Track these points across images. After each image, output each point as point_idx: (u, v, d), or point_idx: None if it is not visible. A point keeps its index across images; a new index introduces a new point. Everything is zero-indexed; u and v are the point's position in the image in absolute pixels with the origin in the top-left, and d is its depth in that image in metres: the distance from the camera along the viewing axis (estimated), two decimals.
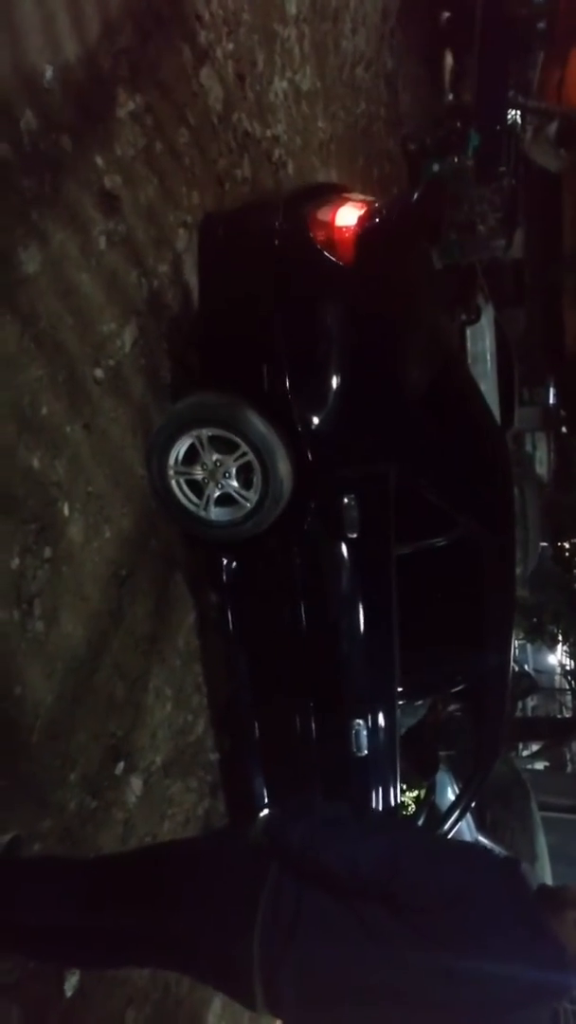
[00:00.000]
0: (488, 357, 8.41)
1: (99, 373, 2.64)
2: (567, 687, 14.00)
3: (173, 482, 2.80)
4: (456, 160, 8.02)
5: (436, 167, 7.91)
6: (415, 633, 3.01)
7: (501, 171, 8.52)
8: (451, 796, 3.51)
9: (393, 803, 3.05)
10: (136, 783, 2.87)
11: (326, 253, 2.65)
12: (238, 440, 2.67)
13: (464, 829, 3.51)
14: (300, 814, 1.86)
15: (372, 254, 2.68)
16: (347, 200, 2.85)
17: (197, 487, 2.81)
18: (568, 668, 13.97)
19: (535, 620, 10.39)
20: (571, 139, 9.83)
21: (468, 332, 8.25)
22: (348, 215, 2.71)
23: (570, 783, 10.65)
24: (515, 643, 4.47)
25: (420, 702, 3.29)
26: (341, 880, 1.68)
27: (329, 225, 2.67)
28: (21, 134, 2.24)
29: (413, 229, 2.98)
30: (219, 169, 3.61)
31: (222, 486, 2.78)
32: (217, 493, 2.79)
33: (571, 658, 13.30)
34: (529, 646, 12.31)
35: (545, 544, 9.65)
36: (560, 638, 11.53)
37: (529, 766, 10.12)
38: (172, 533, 3.08)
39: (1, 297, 2.18)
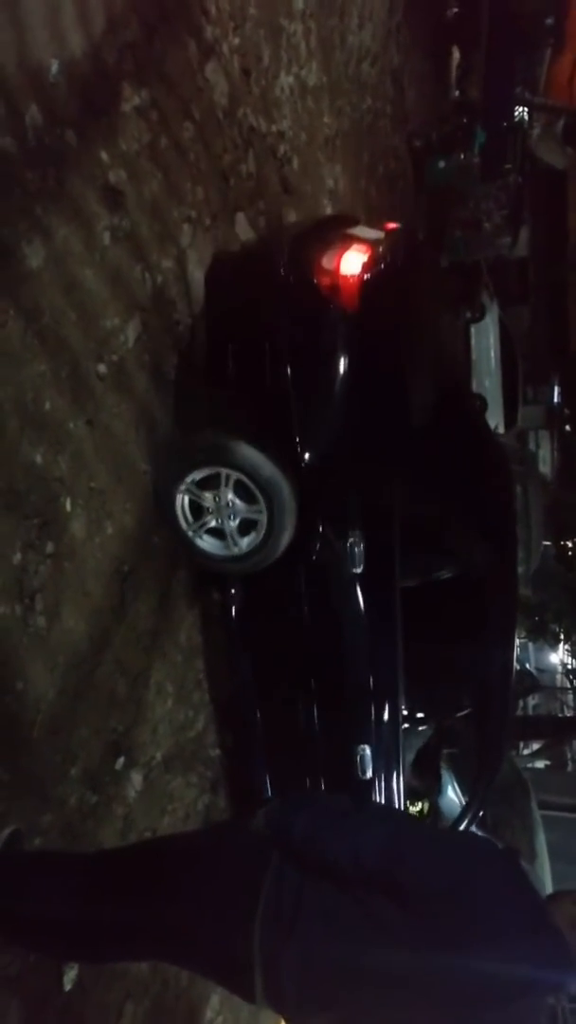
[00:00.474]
0: (492, 355, 8.41)
1: (102, 369, 2.64)
2: (568, 686, 14.01)
3: (179, 496, 2.84)
4: (462, 157, 8.01)
5: (441, 164, 7.91)
6: (421, 658, 3.08)
7: (507, 168, 8.51)
8: (452, 795, 3.51)
9: None
10: (136, 778, 2.87)
11: (331, 302, 2.71)
12: (261, 503, 2.74)
13: (450, 793, 3.50)
14: (301, 805, 1.86)
15: (376, 301, 2.73)
16: (352, 241, 2.86)
17: (198, 510, 2.86)
18: (570, 667, 13.97)
19: (537, 619, 10.39)
20: None
21: (472, 330, 8.24)
22: (352, 262, 2.75)
23: (571, 782, 10.65)
24: (517, 645, 4.54)
25: (425, 727, 3.36)
26: (343, 870, 1.68)
27: (334, 273, 2.71)
28: (26, 128, 2.23)
29: (416, 271, 3.07)
30: (224, 164, 3.60)
31: (220, 522, 2.84)
32: (212, 524, 2.86)
33: (573, 657, 13.30)
34: (531, 645, 12.31)
35: (548, 543, 9.65)
36: (562, 637, 11.54)
37: (530, 764, 10.13)
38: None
39: (4, 292, 2.17)
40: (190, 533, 2.87)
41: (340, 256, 2.75)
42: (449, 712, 3.37)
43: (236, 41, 3.68)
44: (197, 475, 2.81)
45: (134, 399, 2.84)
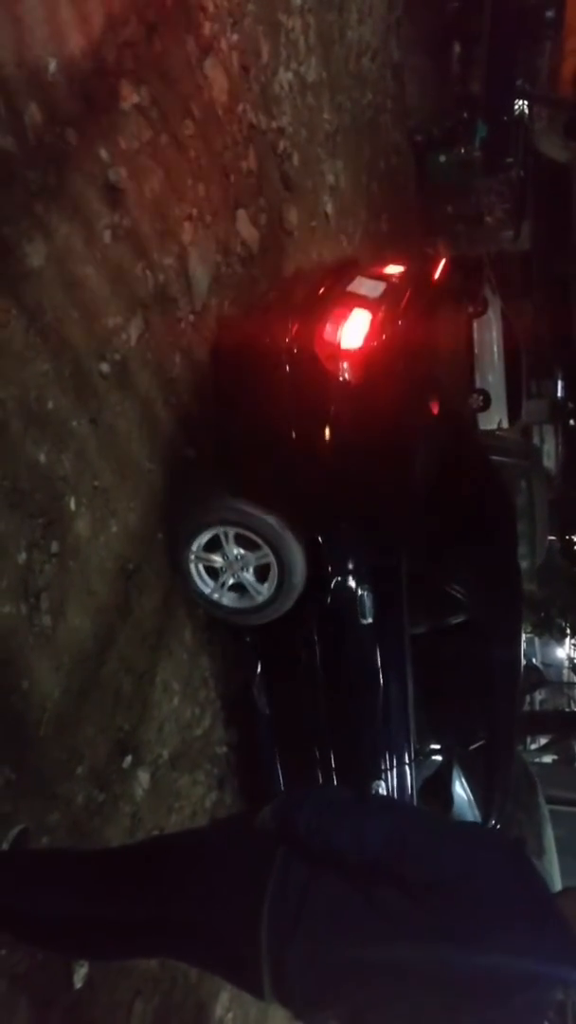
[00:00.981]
0: (495, 349, 8.38)
1: (105, 367, 2.64)
2: (575, 680, 13.98)
3: (191, 565, 2.96)
4: (463, 151, 7.99)
5: (443, 158, 7.89)
6: (434, 695, 3.26)
7: (509, 162, 8.49)
8: (460, 791, 3.53)
9: None
10: (143, 776, 2.88)
11: (333, 377, 2.80)
12: (263, 546, 2.85)
13: (469, 816, 3.54)
14: (305, 797, 1.86)
15: (378, 372, 2.84)
16: (352, 304, 2.90)
17: (213, 572, 3.00)
18: None
19: (543, 614, 10.38)
20: None
21: (475, 324, 8.22)
22: (353, 333, 2.83)
23: None
24: (523, 639, 4.64)
25: (436, 756, 3.47)
26: (348, 860, 1.68)
27: (336, 348, 2.81)
28: (25, 127, 2.23)
29: (420, 338, 3.16)
30: (225, 161, 3.60)
31: (238, 576, 2.96)
32: (231, 581, 2.99)
33: None
34: (537, 640, 12.29)
35: (553, 538, 9.63)
36: (568, 632, 11.52)
37: (537, 759, 10.11)
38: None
39: (6, 291, 2.17)
40: (215, 595, 3.03)
41: (341, 326, 2.83)
42: (462, 744, 3.49)
43: (235, 37, 3.67)
44: (201, 540, 2.94)
45: (137, 397, 2.84)
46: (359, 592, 2.95)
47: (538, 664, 11.86)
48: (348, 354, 2.79)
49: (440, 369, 3.66)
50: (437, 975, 1.59)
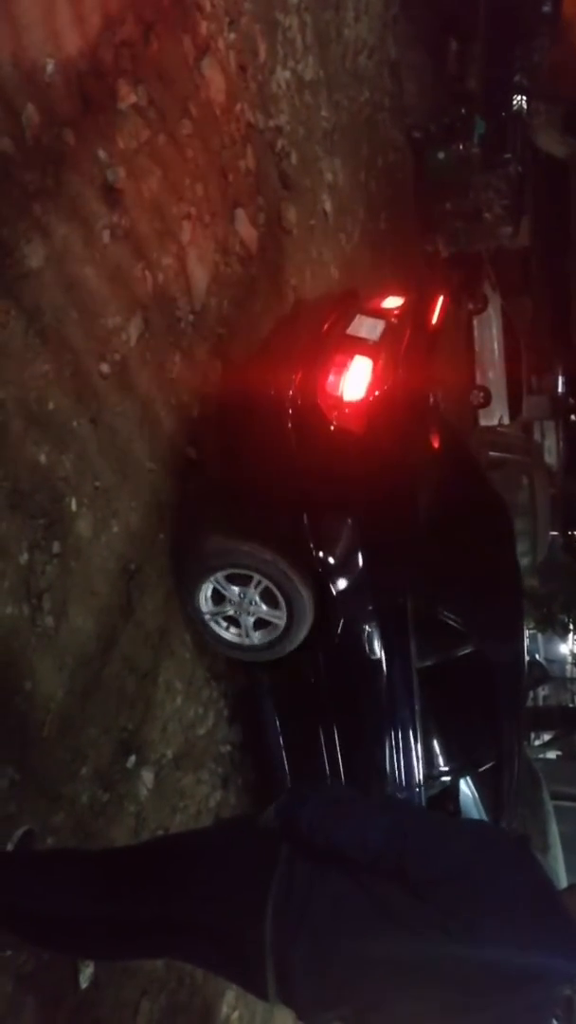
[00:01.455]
0: (495, 346, 8.37)
1: (105, 367, 2.64)
2: None
3: (206, 583, 3.01)
4: (461, 148, 7.96)
5: (441, 155, 7.86)
6: (442, 721, 3.37)
7: (507, 158, 8.45)
8: (465, 789, 3.57)
9: None
10: (147, 776, 2.88)
11: (336, 430, 2.84)
12: (284, 609, 2.93)
13: (475, 814, 3.57)
14: (308, 795, 1.86)
15: (381, 419, 2.89)
16: (354, 350, 2.92)
17: (219, 598, 3.06)
18: None
19: (545, 610, 10.37)
20: None
21: (475, 321, 8.21)
22: (356, 385, 2.86)
23: None
24: (526, 635, 4.71)
25: (445, 778, 3.54)
26: (351, 857, 1.68)
27: (339, 400, 2.86)
28: (23, 128, 2.23)
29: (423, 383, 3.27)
30: (223, 160, 3.60)
31: (253, 612, 3.02)
32: (252, 620, 3.04)
33: None
34: (540, 636, 12.28)
35: (555, 533, 9.61)
36: (571, 627, 11.50)
37: (541, 755, 10.10)
38: (180, 527, 3.08)
39: (5, 291, 2.17)
40: (246, 640, 3.09)
41: (342, 376, 2.87)
42: (471, 767, 3.57)
43: (232, 36, 3.67)
44: (205, 594, 3.01)
45: (137, 397, 2.84)
46: (367, 630, 3.04)
47: (541, 660, 11.85)
48: (351, 405, 2.86)
49: (439, 388, 3.75)
50: (441, 972, 1.59)
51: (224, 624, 3.08)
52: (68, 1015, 2.38)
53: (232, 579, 2.96)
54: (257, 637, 3.07)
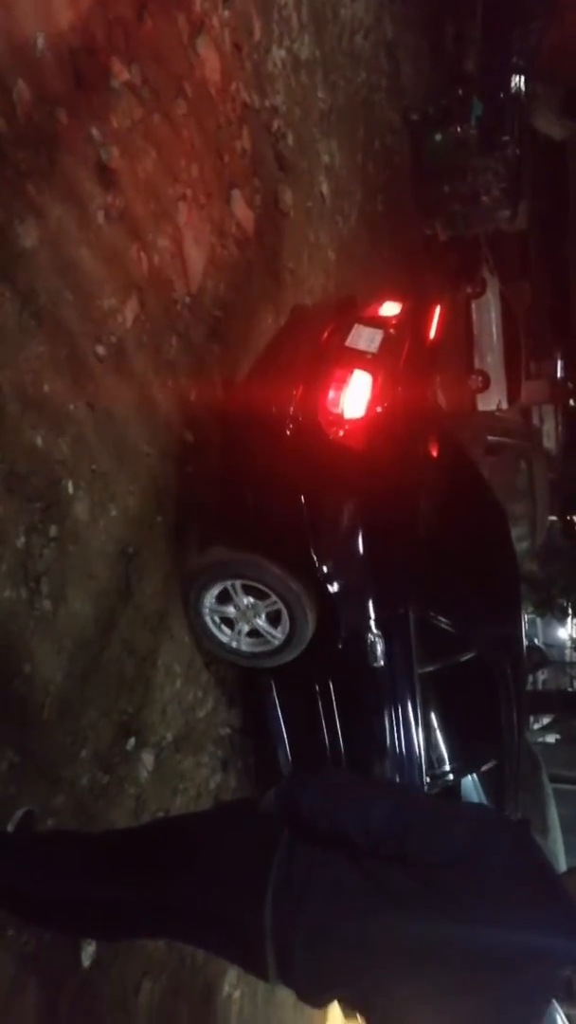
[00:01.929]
0: (494, 330, 8.34)
1: (101, 350, 2.62)
2: None
3: (207, 619, 3.10)
4: (459, 130, 7.90)
5: (438, 137, 7.81)
6: (445, 723, 3.45)
7: (505, 140, 8.38)
8: (467, 779, 3.61)
9: None
10: (148, 758, 2.88)
11: (338, 446, 2.88)
12: (270, 592, 2.96)
13: (475, 797, 3.60)
14: (308, 779, 1.86)
15: (381, 433, 2.92)
16: (353, 364, 2.93)
17: (229, 622, 3.12)
18: None
19: (544, 594, 10.39)
20: None
21: (473, 305, 8.16)
22: (356, 402, 2.88)
23: None
24: (525, 620, 4.76)
25: (448, 778, 3.59)
26: (352, 840, 1.69)
27: (339, 417, 2.89)
28: (14, 105, 2.20)
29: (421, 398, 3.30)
30: (218, 141, 3.56)
31: (251, 623, 3.08)
32: (247, 628, 3.10)
33: None
34: (539, 620, 12.32)
35: (554, 518, 9.62)
36: (570, 611, 11.55)
37: (540, 739, 10.15)
38: (178, 510, 3.08)
39: None
40: (234, 643, 3.14)
41: (342, 392, 2.89)
42: (473, 767, 3.62)
43: (226, 14, 3.63)
44: (213, 592, 3.04)
45: (134, 380, 2.83)
46: (369, 639, 3.07)
47: (540, 644, 11.89)
48: (352, 423, 2.88)
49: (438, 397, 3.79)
50: (442, 954, 1.60)
51: (218, 622, 3.12)
52: (70, 994, 2.39)
53: (248, 589, 3.00)
54: (246, 645, 3.12)
